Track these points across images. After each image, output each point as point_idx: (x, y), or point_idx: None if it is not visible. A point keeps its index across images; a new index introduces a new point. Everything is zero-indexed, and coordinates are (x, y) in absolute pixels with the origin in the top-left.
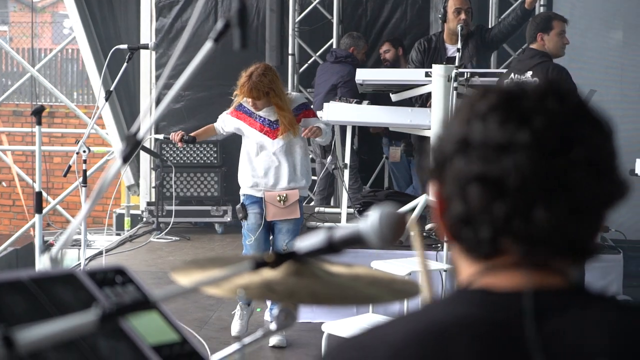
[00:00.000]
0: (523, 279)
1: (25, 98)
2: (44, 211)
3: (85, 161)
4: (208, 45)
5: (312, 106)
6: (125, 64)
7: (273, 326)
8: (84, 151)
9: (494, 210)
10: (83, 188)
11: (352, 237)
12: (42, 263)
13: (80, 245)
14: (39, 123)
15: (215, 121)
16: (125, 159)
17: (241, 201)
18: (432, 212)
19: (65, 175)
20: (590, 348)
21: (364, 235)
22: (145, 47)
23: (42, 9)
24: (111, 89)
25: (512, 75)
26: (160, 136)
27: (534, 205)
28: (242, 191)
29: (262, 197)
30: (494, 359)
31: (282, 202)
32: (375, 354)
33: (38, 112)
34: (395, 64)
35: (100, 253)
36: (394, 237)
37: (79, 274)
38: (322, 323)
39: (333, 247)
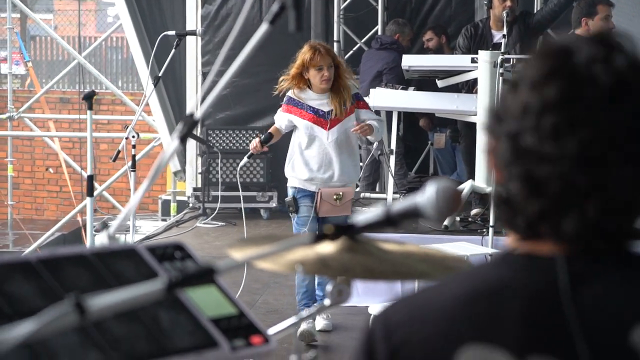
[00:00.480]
0: (563, 245)
1: (71, 85)
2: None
3: (134, 146)
4: (264, 28)
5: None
6: (173, 50)
7: (327, 302)
8: (133, 136)
9: (528, 207)
10: (132, 173)
11: (409, 211)
12: (100, 241)
13: (127, 231)
14: (90, 108)
15: (262, 107)
16: (183, 139)
17: (291, 194)
18: (490, 164)
19: (114, 160)
20: (630, 314)
21: (421, 209)
22: (193, 33)
23: None
24: (159, 74)
25: None
26: (244, 160)
27: (569, 208)
28: (292, 183)
29: (314, 192)
30: (538, 322)
31: (337, 200)
32: (426, 313)
33: (89, 97)
34: (438, 52)
35: (148, 238)
36: (450, 210)
37: (139, 249)
38: (367, 307)
39: (391, 221)
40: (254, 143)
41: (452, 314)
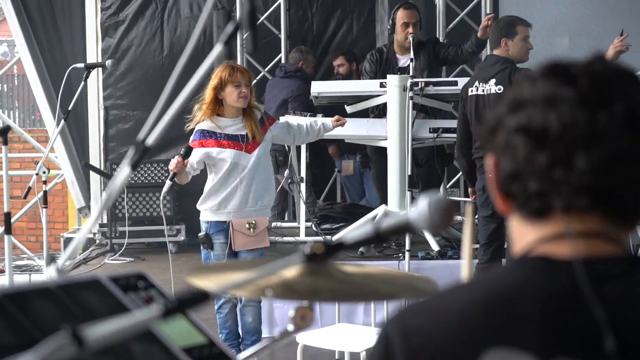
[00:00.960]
0: (579, 246)
1: None
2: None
3: (45, 182)
4: (218, 49)
5: None
6: (82, 82)
7: (290, 327)
8: (44, 172)
9: (537, 160)
10: (44, 209)
11: (400, 226)
12: (48, 275)
13: (30, 271)
14: (5, 143)
15: (167, 139)
16: (134, 166)
17: (204, 229)
18: (488, 183)
19: (25, 197)
20: None
21: (413, 224)
22: (102, 65)
23: None
24: (69, 107)
25: (477, 82)
26: (167, 184)
27: (574, 153)
28: (204, 217)
29: (227, 224)
30: (561, 324)
31: (251, 229)
32: (445, 319)
33: (4, 132)
34: (348, 78)
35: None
36: (444, 224)
37: (103, 280)
38: (295, 338)
39: (381, 237)
40: (174, 161)
41: (473, 320)
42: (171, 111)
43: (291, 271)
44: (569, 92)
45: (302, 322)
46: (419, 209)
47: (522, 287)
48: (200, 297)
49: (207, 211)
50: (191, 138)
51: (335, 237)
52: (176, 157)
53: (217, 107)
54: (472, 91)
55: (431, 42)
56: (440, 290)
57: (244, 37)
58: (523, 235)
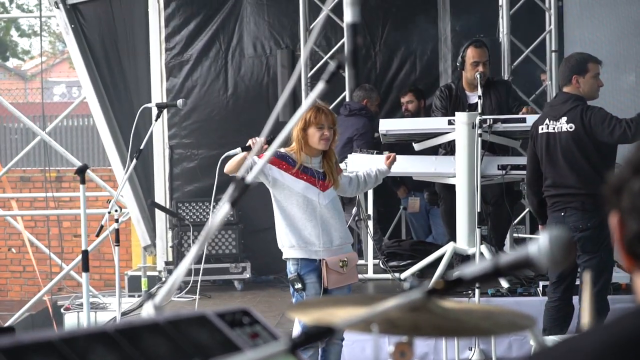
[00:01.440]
0: None
1: (32, 164)
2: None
3: (117, 220)
4: (320, 87)
5: None
6: (154, 121)
7: None
8: (116, 210)
9: None
10: (116, 247)
11: (520, 261)
12: (146, 311)
13: (95, 309)
14: (83, 182)
15: (230, 177)
16: (234, 203)
17: (293, 270)
18: (614, 241)
19: (97, 235)
20: None
21: (534, 259)
22: (174, 105)
23: (32, 76)
24: (141, 147)
25: (547, 120)
26: (236, 150)
27: None
28: (291, 255)
29: (317, 262)
30: None
31: (343, 267)
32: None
33: (82, 171)
34: (416, 115)
35: (125, 314)
36: (564, 259)
37: (210, 316)
38: None
39: (500, 272)
40: (258, 138)
41: None
42: (269, 152)
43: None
44: None
45: (401, 358)
46: (540, 244)
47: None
48: (325, 332)
49: (295, 248)
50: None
51: (455, 273)
52: (261, 137)
53: (306, 148)
54: (542, 129)
55: (504, 84)
56: (571, 335)
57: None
58: None
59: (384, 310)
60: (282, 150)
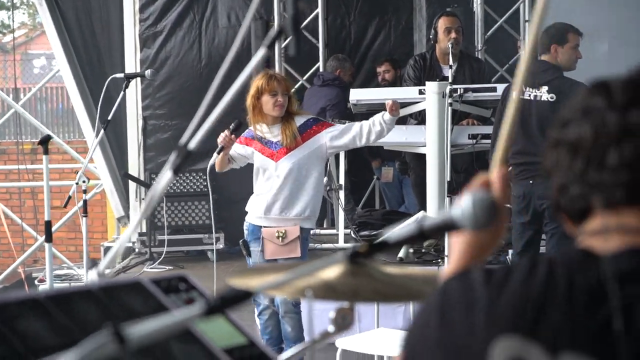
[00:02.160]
0: (621, 240)
1: (5, 136)
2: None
3: (85, 191)
4: (261, 52)
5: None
6: (122, 92)
7: (331, 328)
8: (84, 181)
9: (575, 167)
10: (84, 218)
11: (444, 224)
12: (89, 279)
13: (69, 280)
14: (46, 153)
15: (205, 148)
16: (176, 171)
17: (245, 235)
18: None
19: (65, 206)
20: None
21: (457, 221)
22: (142, 75)
23: (11, 49)
24: (109, 118)
25: (524, 87)
26: (214, 157)
27: (605, 153)
28: (247, 219)
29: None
30: (578, 320)
31: (280, 238)
32: (480, 303)
33: (45, 142)
34: (394, 84)
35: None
36: (488, 222)
37: (145, 282)
38: (331, 343)
39: (425, 235)
40: (223, 135)
41: (498, 304)
42: (212, 117)
43: (332, 272)
44: (599, 100)
45: (343, 323)
46: (463, 207)
47: (554, 279)
48: (241, 296)
49: (248, 214)
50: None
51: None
52: (225, 131)
53: (261, 115)
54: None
55: (479, 62)
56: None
57: (287, 41)
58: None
59: (300, 274)
60: (251, 128)
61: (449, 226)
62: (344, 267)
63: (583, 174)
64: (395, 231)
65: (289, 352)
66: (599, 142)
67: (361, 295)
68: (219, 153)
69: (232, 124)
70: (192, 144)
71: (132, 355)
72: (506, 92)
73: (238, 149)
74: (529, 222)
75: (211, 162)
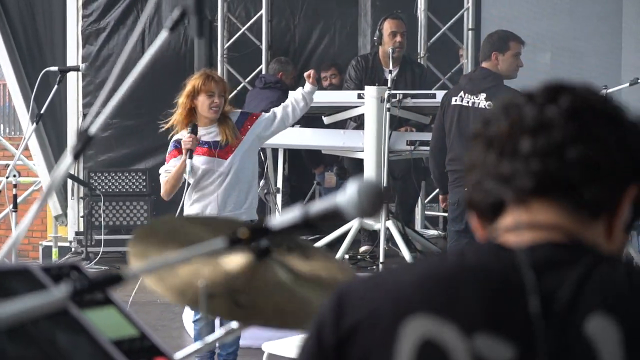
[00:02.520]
0: (530, 235)
1: None
2: None
3: (15, 186)
4: (163, 35)
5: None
6: (55, 86)
7: (235, 324)
8: (14, 176)
9: (489, 160)
10: (14, 214)
11: (329, 212)
12: None
13: None
14: None
15: (145, 148)
16: (76, 156)
17: None
18: (471, 221)
19: None
20: (586, 303)
21: (342, 209)
22: (76, 69)
23: None
24: (41, 112)
25: (463, 93)
26: (190, 164)
27: (519, 142)
28: None
29: None
30: (495, 305)
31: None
32: (381, 287)
33: None
34: (339, 89)
35: None
36: (373, 209)
37: (33, 269)
38: (258, 347)
39: (309, 223)
40: (188, 138)
41: (406, 287)
42: (113, 102)
43: (234, 262)
44: (521, 99)
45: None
46: (348, 194)
47: (468, 266)
48: (112, 280)
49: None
50: (168, 150)
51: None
52: (187, 134)
53: (192, 116)
54: (455, 100)
55: (421, 68)
56: (395, 266)
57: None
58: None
59: (179, 258)
60: (177, 137)
61: (334, 213)
62: (247, 257)
63: (496, 165)
64: (279, 217)
65: (189, 348)
66: (514, 133)
67: (264, 287)
68: (190, 157)
69: (189, 127)
70: (93, 129)
71: (15, 344)
72: (445, 99)
73: (177, 162)
74: (464, 230)
75: (188, 168)
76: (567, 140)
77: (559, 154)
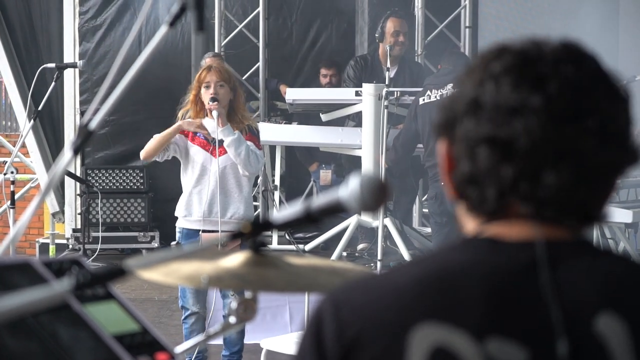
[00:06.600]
0: (532, 230)
1: None
2: None
3: (13, 182)
4: (163, 30)
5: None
6: (53, 83)
7: (233, 319)
8: (12, 172)
9: (502, 172)
10: (11, 210)
11: (331, 206)
12: None
13: None
14: None
15: (142, 145)
16: (76, 151)
17: (177, 238)
18: (440, 170)
19: None
20: (594, 301)
21: (344, 203)
22: (74, 65)
23: None
24: (38, 108)
25: (429, 92)
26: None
27: (542, 169)
28: (178, 224)
29: (199, 233)
30: (502, 305)
31: (218, 245)
32: (379, 293)
33: None
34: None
35: None
36: (376, 203)
37: (34, 263)
38: (258, 343)
39: (311, 217)
40: (196, 122)
41: (409, 294)
42: (114, 97)
43: (237, 261)
44: (536, 100)
45: (244, 314)
46: (350, 188)
47: (466, 265)
48: (115, 273)
49: (180, 219)
50: None
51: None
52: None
53: (202, 110)
54: (423, 100)
55: (419, 67)
56: (387, 269)
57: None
58: (473, 220)
59: (175, 256)
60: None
61: (336, 208)
62: (250, 257)
63: (513, 183)
64: (282, 212)
65: (188, 343)
66: (534, 155)
67: (273, 286)
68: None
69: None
70: (93, 124)
71: (16, 338)
72: (413, 105)
73: (179, 137)
74: (446, 223)
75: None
76: (591, 171)
77: (581, 185)
